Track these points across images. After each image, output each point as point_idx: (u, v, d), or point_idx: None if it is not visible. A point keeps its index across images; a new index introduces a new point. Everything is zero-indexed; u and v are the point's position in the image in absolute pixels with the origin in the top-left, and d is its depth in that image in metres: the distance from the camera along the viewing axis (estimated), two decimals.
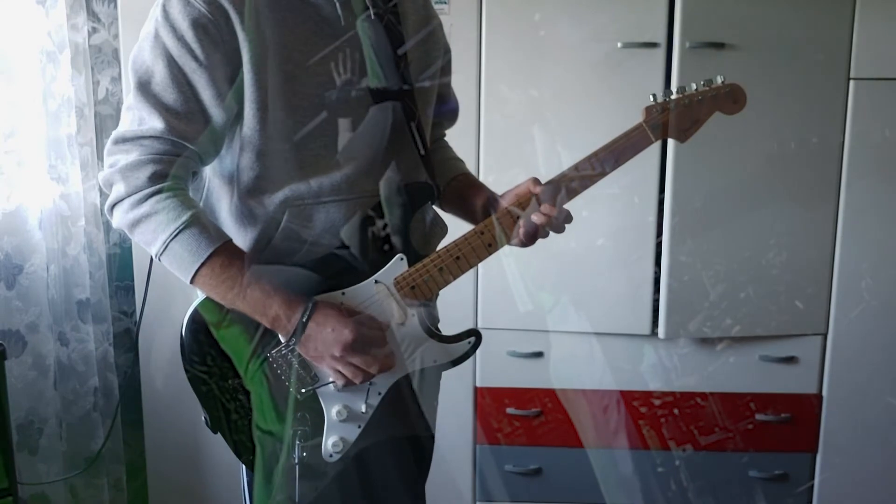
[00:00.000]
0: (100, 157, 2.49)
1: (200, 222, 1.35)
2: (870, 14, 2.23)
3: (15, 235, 2.38)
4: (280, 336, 1.39)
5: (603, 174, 1.45)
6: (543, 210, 1.42)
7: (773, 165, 2.30)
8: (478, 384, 2.46)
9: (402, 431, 1.47)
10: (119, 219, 1.37)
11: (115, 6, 2.46)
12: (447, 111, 1.66)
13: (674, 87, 1.49)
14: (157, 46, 1.33)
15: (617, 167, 1.45)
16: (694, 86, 1.48)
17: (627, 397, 2.43)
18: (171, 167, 1.34)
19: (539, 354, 2.43)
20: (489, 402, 2.46)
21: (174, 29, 1.32)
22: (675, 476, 2.45)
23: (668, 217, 2.31)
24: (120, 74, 2.55)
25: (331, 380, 1.40)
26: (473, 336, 1.48)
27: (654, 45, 2.24)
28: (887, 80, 2.26)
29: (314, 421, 1.41)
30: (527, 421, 2.46)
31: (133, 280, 2.55)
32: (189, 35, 1.32)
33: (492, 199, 1.52)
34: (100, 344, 2.55)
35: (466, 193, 1.59)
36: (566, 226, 1.46)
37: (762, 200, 2.32)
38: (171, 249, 1.34)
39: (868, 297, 2.37)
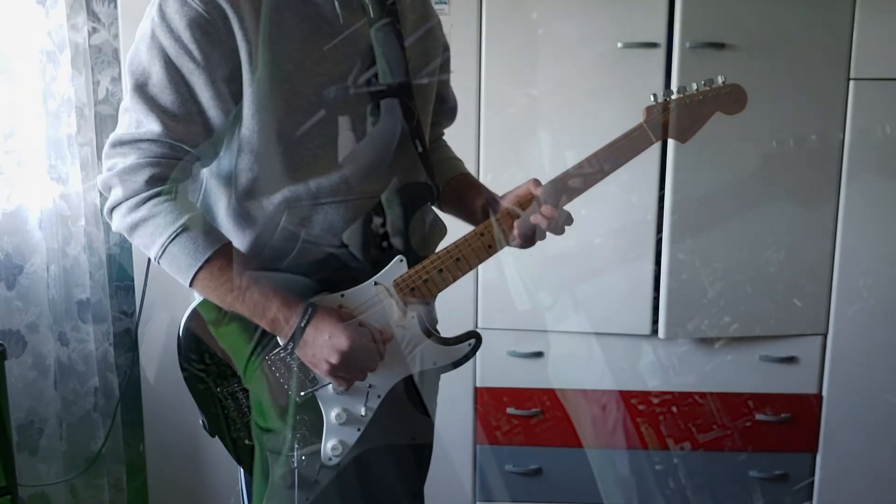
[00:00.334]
0: (100, 157, 2.46)
1: (198, 225, 1.34)
2: (870, 14, 2.22)
3: (15, 235, 2.37)
4: (279, 339, 1.39)
5: (603, 175, 1.44)
6: (544, 211, 1.41)
7: (773, 165, 2.29)
8: (478, 384, 2.46)
9: (401, 434, 1.47)
10: (118, 222, 1.36)
11: (115, 6, 2.46)
12: (446, 110, 1.65)
13: (674, 87, 1.47)
14: (154, 47, 1.31)
15: (617, 167, 1.44)
16: (694, 86, 1.46)
17: (627, 397, 2.43)
18: (169, 170, 1.33)
19: (539, 354, 2.43)
20: (489, 402, 2.46)
21: (171, 29, 1.29)
22: (675, 476, 2.45)
23: (667, 216, 2.31)
24: (120, 74, 2.55)
25: (328, 382, 1.40)
26: (473, 338, 1.47)
27: (654, 45, 2.24)
28: (887, 80, 2.25)
29: (313, 423, 1.41)
30: (527, 421, 2.46)
31: (133, 280, 2.55)
32: (186, 35, 1.29)
33: (491, 200, 1.51)
34: (100, 344, 2.54)
35: (466, 194, 1.58)
36: (566, 227, 1.45)
37: (762, 200, 2.31)
38: (169, 253, 1.33)
39: (868, 296, 2.36)
